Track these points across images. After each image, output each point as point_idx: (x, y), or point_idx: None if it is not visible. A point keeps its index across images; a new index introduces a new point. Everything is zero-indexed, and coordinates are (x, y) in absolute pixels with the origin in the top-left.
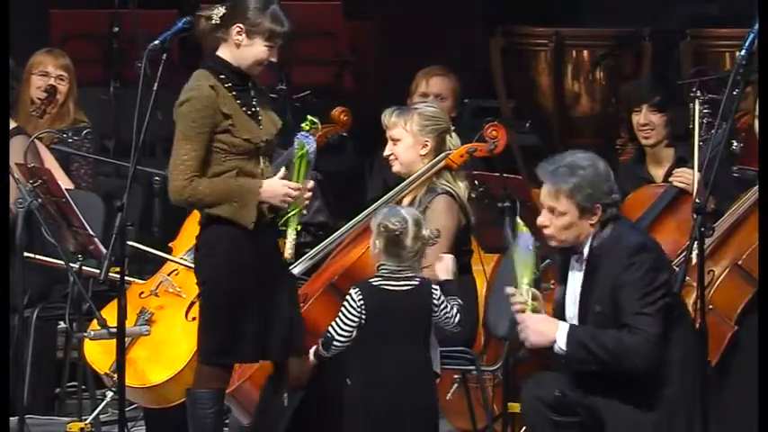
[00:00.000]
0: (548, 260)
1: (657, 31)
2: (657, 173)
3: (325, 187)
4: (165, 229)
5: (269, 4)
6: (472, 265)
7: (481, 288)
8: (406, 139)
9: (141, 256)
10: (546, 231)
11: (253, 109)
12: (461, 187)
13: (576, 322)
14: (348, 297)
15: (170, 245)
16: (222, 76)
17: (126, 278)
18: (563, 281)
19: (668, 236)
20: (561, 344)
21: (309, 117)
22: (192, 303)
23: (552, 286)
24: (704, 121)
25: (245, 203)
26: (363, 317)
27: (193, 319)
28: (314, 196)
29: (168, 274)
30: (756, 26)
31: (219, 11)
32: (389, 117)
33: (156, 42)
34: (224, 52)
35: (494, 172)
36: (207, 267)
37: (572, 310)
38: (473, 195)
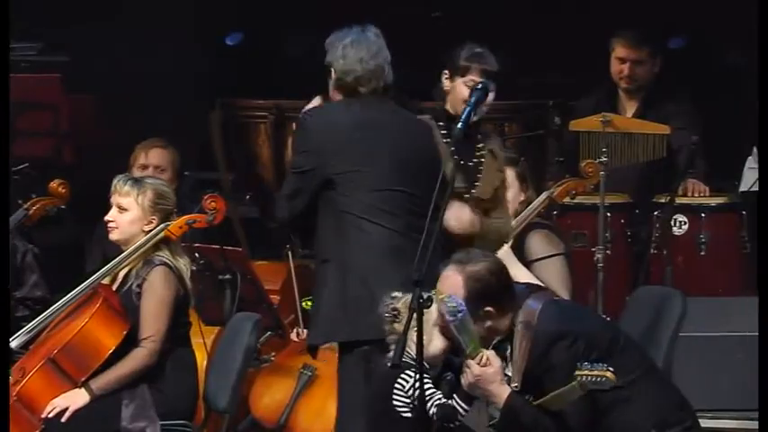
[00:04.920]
0: (268, 333)
1: None
2: None
3: (44, 260)
4: None
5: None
6: (192, 337)
7: (201, 360)
8: (135, 212)
9: None
10: None
11: (471, 161)
12: (180, 259)
13: None
14: None
15: None
16: (441, 123)
17: None
18: None
19: None
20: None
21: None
22: None
23: (272, 358)
24: None
25: None
26: None
27: None
28: (31, 270)
29: None
30: (473, 99)
31: None
32: (123, 185)
33: None
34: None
35: (214, 244)
36: None
37: None
38: (193, 267)
